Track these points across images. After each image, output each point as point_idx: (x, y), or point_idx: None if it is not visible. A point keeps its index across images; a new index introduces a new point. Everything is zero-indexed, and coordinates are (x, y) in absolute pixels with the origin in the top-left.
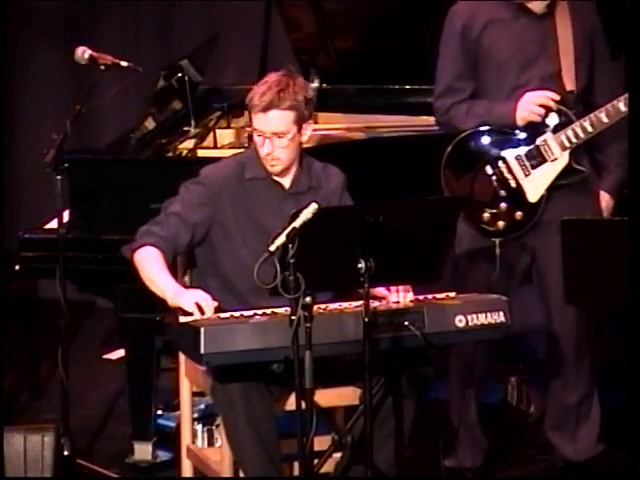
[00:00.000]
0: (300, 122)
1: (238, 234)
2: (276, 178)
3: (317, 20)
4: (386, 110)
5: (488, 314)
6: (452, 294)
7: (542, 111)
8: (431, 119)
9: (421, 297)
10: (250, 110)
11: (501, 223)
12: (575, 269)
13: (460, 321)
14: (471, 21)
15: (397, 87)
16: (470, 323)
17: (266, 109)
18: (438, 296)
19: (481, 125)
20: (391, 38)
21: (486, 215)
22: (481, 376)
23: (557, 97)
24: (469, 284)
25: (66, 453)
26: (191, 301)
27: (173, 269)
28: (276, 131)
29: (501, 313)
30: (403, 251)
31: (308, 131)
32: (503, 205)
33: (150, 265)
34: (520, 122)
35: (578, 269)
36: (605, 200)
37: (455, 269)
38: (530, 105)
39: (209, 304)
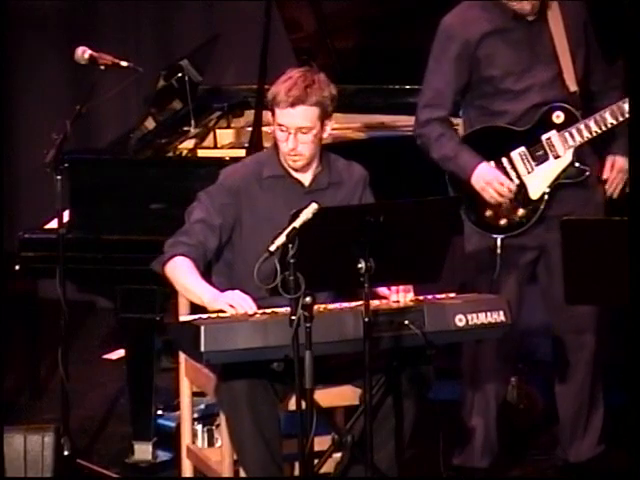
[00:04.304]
0: (324, 118)
1: (254, 236)
2: (296, 175)
3: (317, 20)
4: (386, 110)
5: (488, 313)
6: (452, 294)
7: (491, 194)
8: None
9: (421, 297)
10: (274, 105)
11: (503, 221)
12: (575, 269)
13: (460, 320)
14: (467, 35)
15: (397, 87)
16: (470, 322)
17: (294, 104)
18: (438, 296)
19: (443, 159)
20: (391, 38)
21: (488, 212)
22: (500, 375)
23: (513, 188)
24: (477, 283)
25: (66, 453)
26: (231, 302)
27: (207, 276)
28: (301, 126)
29: (501, 312)
30: (403, 251)
31: (329, 127)
32: (505, 202)
33: (182, 274)
34: (474, 186)
35: (578, 269)
36: (620, 162)
37: (464, 268)
38: (483, 183)
39: (249, 303)
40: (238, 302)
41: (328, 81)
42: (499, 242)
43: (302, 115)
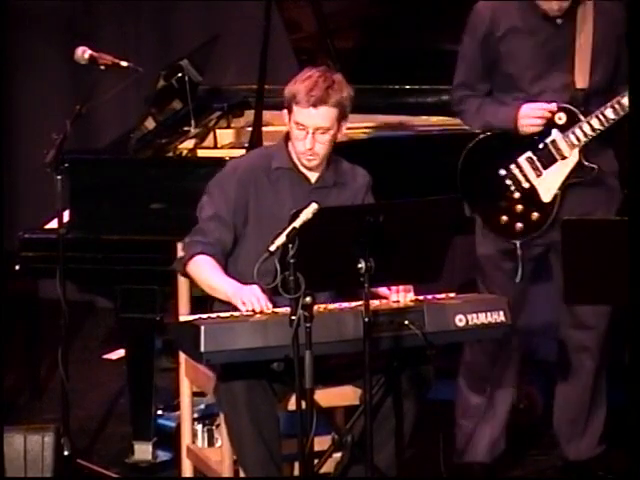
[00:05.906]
0: (341, 119)
1: (257, 228)
2: (303, 170)
3: (317, 20)
4: (386, 110)
5: (488, 313)
6: (452, 294)
7: (540, 122)
8: (431, 119)
9: (421, 297)
10: (294, 103)
11: (519, 225)
12: (575, 269)
13: (460, 320)
14: (493, 27)
15: (397, 87)
16: (470, 322)
17: (315, 104)
18: (438, 296)
19: (486, 125)
20: (391, 38)
21: (504, 218)
22: (510, 375)
23: (554, 108)
24: (494, 288)
25: (66, 453)
26: (245, 300)
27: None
28: (320, 126)
29: (501, 313)
30: (403, 251)
31: (344, 128)
32: (519, 207)
33: (205, 272)
34: (521, 132)
35: (578, 269)
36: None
37: (479, 273)
38: (528, 118)
39: (264, 303)
40: (252, 303)
41: (344, 81)
42: (518, 245)
43: (322, 116)
